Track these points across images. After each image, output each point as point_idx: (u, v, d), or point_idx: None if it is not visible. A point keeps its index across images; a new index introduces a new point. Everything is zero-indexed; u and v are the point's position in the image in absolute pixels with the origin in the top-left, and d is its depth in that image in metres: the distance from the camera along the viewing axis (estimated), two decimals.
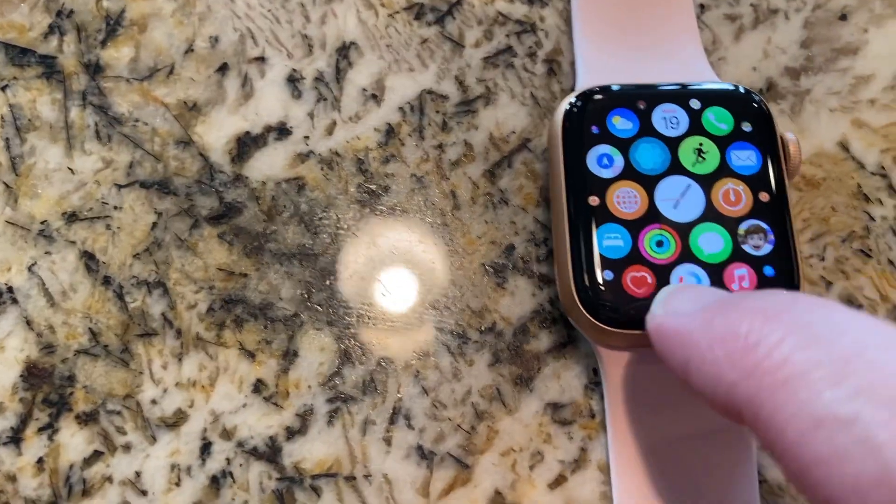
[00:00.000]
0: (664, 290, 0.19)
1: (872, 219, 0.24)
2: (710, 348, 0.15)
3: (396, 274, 0.23)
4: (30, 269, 0.22)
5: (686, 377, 0.16)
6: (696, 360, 0.16)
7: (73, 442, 0.21)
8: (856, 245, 0.24)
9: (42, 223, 0.23)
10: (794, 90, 0.25)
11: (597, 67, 0.24)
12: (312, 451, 0.21)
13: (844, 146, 0.24)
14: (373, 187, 0.23)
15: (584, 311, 0.20)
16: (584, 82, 0.24)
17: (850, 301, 0.23)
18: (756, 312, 0.15)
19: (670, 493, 0.21)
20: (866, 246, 0.24)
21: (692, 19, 0.25)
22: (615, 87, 0.22)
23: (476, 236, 0.23)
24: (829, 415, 0.13)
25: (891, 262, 0.23)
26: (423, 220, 0.23)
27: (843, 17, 0.26)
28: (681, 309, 0.17)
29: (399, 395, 0.22)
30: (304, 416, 0.22)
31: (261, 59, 0.24)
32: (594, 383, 0.22)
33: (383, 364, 0.22)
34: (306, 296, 0.22)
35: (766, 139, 0.22)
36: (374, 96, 0.24)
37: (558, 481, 0.21)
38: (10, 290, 0.22)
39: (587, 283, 0.21)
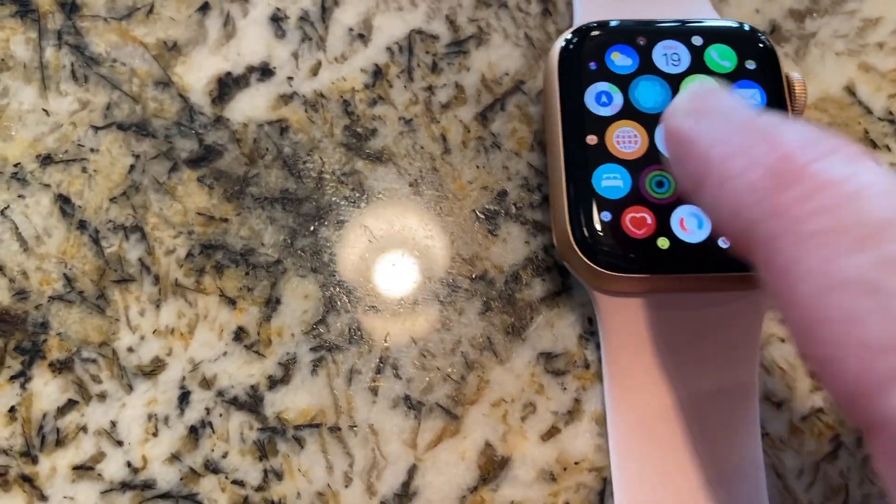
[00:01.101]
0: (692, 86, 0.17)
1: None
2: (738, 175, 0.14)
3: (384, 220, 0.22)
4: (2, 212, 0.22)
5: (695, 194, 0.15)
6: (714, 182, 0.14)
7: (47, 390, 0.20)
8: None
9: (15, 166, 0.22)
10: (798, 33, 0.24)
11: (594, 6, 0.23)
12: (295, 400, 0.20)
13: (851, 91, 0.23)
14: (359, 130, 0.23)
15: (581, 255, 0.20)
16: (581, 21, 0.23)
17: None
18: (797, 151, 0.14)
19: (669, 445, 0.20)
20: None
21: None
22: (614, 23, 0.21)
23: (467, 181, 0.22)
24: (851, 279, 0.12)
25: None
26: (411, 165, 0.22)
27: None
28: (712, 120, 0.15)
29: (386, 345, 0.21)
30: (287, 365, 0.21)
31: None
32: (589, 333, 0.21)
33: (370, 313, 0.21)
34: (290, 241, 0.22)
35: (771, 78, 0.21)
36: (360, 36, 0.23)
37: (551, 433, 0.20)
38: None
39: (584, 224, 0.20)
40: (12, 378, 0.20)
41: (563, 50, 0.21)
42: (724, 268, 0.19)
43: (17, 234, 0.21)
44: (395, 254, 0.22)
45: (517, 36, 0.23)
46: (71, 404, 0.20)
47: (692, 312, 0.20)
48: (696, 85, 0.17)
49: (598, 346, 0.21)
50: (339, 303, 0.21)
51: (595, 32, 0.21)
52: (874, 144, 0.23)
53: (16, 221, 0.21)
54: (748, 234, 0.14)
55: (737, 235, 0.14)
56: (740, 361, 0.20)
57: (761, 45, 0.21)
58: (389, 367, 0.21)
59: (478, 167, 0.22)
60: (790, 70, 0.23)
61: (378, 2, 0.23)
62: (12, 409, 0.20)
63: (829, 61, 0.24)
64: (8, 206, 0.22)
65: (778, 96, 0.21)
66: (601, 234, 0.19)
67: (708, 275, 0.19)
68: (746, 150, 0.14)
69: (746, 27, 0.21)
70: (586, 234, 0.20)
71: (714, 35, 0.21)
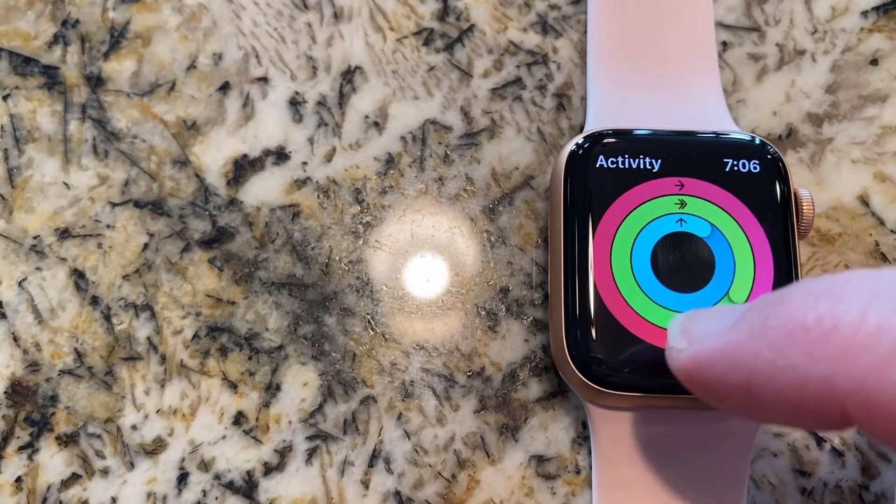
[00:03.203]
0: (674, 322, 0.17)
1: None
2: (777, 353, 0.13)
3: (385, 310, 0.22)
4: (20, 283, 0.22)
5: (751, 398, 0.14)
6: (762, 372, 0.14)
7: (53, 463, 0.21)
8: None
9: (35, 238, 0.23)
10: (815, 138, 0.24)
11: (608, 105, 0.23)
12: (289, 488, 0.21)
13: (864, 200, 0.23)
14: (368, 219, 0.23)
15: (574, 368, 0.20)
16: (594, 120, 0.23)
17: None
18: (813, 297, 0.13)
19: None
20: None
21: (713, 58, 0.24)
22: (625, 131, 0.21)
23: (470, 276, 0.23)
24: None
25: None
26: (417, 257, 0.23)
27: (875, 62, 0.24)
28: (711, 330, 0.15)
29: (380, 438, 0.21)
30: (283, 453, 0.21)
31: (263, 80, 0.24)
32: (582, 438, 0.21)
33: (366, 404, 0.22)
34: (293, 328, 0.22)
35: (778, 193, 0.21)
36: (376, 123, 0.24)
37: None
38: None
39: (579, 337, 0.20)
40: (20, 448, 0.21)
41: (572, 155, 0.21)
42: None
43: (33, 305, 0.22)
44: (394, 345, 0.22)
45: (529, 130, 0.24)
46: (75, 478, 0.21)
47: (685, 428, 0.20)
48: (675, 318, 0.17)
49: (590, 452, 0.21)
50: (336, 392, 0.22)
51: (607, 140, 0.21)
52: (885, 258, 0.23)
53: (32, 293, 0.22)
54: (830, 398, 0.13)
55: (817, 409, 0.13)
56: (730, 479, 0.20)
57: (770, 160, 0.21)
58: (382, 461, 0.21)
59: (482, 262, 0.23)
60: (801, 183, 0.23)
61: (395, 90, 0.24)
62: (19, 479, 0.21)
63: (845, 168, 0.24)
64: (26, 278, 0.22)
65: (784, 213, 0.21)
66: (597, 347, 0.20)
67: None
68: (773, 330, 0.14)
69: (757, 140, 0.21)
70: (581, 347, 0.20)
71: (723, 149, 0.21)
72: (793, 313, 0.13)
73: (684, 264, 0.20)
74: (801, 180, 0.23)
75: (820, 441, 0.21)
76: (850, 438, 0.21)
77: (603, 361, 0.20)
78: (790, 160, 0.23)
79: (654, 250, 0.20)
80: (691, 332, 0.16)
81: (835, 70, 0.24)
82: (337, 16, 0.24)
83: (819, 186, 0.23)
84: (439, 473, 0.21)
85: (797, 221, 0.21)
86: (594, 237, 0.20)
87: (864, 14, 0.25)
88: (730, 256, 0.20)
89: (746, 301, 0.20)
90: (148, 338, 0.22)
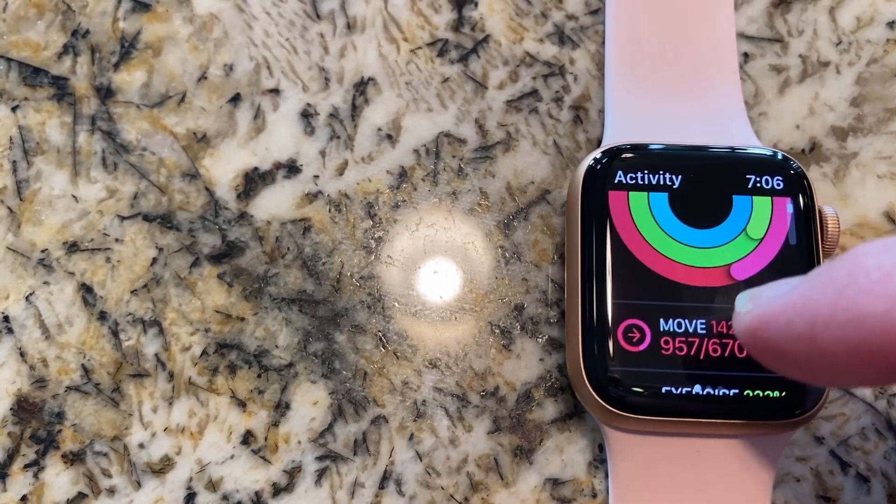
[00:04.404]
0: (741, 295, 0.17)
1: None
2: (838, 297, 0.14)
3: (397, 328, 0.22)
4: (27, 298, 0.22)
5: (813, 347, 0.15)
6: (824, 315, 0.14)
7: (58, 481, 0.21)
8: None
9: (43, 251, 0.22)
10: (839, 152, 0.23)
11: (626, 118, 0.22)
12: None
13: (891, 217, 0.23)
14: (380, 234, 0.22)
15: (591, 390, 0.19)
16: (612, 133, 0.22)
17: (884, 389, 0.21)
18: (873, 251, 0.14)
19: None
20: None
21: (734, 70, 0.23)
22: (645, 147, 0.21)
23: (484, 293, 0.22)
24: None
25: None
26: (430, 273, 0.22)
27: None
28: (777, 291, 0.16)
29: (391, 459, 0.21)
30: (292, 473, 0.21)
31: (275, 91, 0.23)
32: (599, 460, 0.21)
33: (377, 423, 0.21)
34: (303, 345, 0.22)
35: (802, 211, 0.20)
36: (389, 136, 0.23)
37: None
38: (6, 319, 0.22)
39: (597, 357, 0.19)
40: (26, 466, 0.21)
41: (590, 170, 0.21)
42: (742, 415, 0.19)
43: (41, 320, 0.22)
44: (406, 363, 0.21)
45: (545, 143, 0.23)
46: (80, 497, 0.21)
47: (706, 453, 0.20)
48: (743, 293, 0.17)
49: (606, 475, 0.21)
50: (346, 412, 0.21)
51: (626, 155, 0.21)
52: None
53: (39, 308, 0.22)
54: (890, 329, 0.14)
55: (877, 342, 0.14)
56: None
57: (793, 176, 0.20)
58: (393, 483, 0.21)
59: (496, 278, 0.22)
60: (826, 199, 0.22)
61: (409, 102, 0.23)
62: (24, 498, 0.21)
63: (870, 184, 0.23)
64: (33, 293, 0.22)
65: (808, 232, 0.20)
66: (615, 369, 0.19)
67: (725, 421, 0.19)
68: (834, 280, 0.14)
69: (779, 156, 0.21)
70: (599, 368, 0.19)
71: (744, 165, 0.20)
72: (853, 263, 0.15)
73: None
74: (825, 196, 0.23)
75: (844, 466, 0.21)
76: (876, 464, 0.21)
77: (621, 383, 0.19)
78: (813, 175, 0.23)
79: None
80: (758, 297, 0.17)
81: (860, 82, 0.24)
82: (350, 26, 0.24)
83: (843, 202, 0.23)
84: (452, 496, 0.21)
85: (822, 241, 0.20)
86: (612, 254, 0.20)
87: (891, 25, 0.24)
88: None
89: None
90: (156, 354, 0.22)
